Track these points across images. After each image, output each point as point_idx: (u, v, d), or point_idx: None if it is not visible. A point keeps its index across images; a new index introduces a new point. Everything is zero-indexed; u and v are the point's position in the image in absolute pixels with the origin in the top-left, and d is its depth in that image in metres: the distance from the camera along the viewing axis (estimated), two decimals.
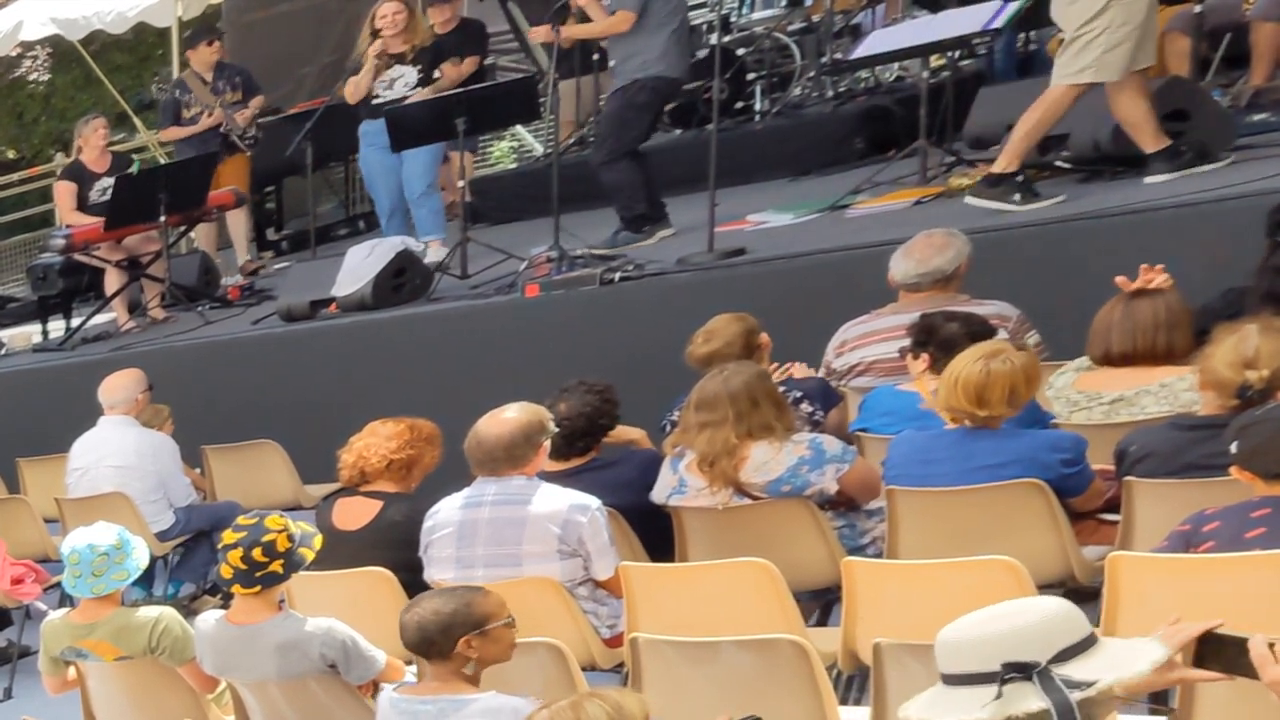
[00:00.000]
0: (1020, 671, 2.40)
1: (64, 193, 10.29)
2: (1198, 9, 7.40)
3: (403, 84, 9.17)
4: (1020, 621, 2.48)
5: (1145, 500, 4.20)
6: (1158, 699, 3.52)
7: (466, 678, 3.86)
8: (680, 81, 8.64)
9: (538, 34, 8.39)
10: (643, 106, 8.27)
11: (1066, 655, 2.44)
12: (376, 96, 9.19)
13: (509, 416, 4.72)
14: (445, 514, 4.79)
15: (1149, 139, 6.63)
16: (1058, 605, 2.53)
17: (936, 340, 4.88)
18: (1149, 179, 6.62)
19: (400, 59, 9.18)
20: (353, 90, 9.23)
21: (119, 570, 4.92)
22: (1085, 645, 2.47)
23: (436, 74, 9.17)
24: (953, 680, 2.49)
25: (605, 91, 8.90)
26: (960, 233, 5.67)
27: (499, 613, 3.89)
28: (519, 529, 4.63)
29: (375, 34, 9.11)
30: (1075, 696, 2.39)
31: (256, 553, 4.37)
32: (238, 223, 10.92)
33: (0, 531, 7.15)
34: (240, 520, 4.50)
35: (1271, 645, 2.56)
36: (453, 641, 3.82)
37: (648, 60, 8.15)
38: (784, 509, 4.71)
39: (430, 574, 4.79)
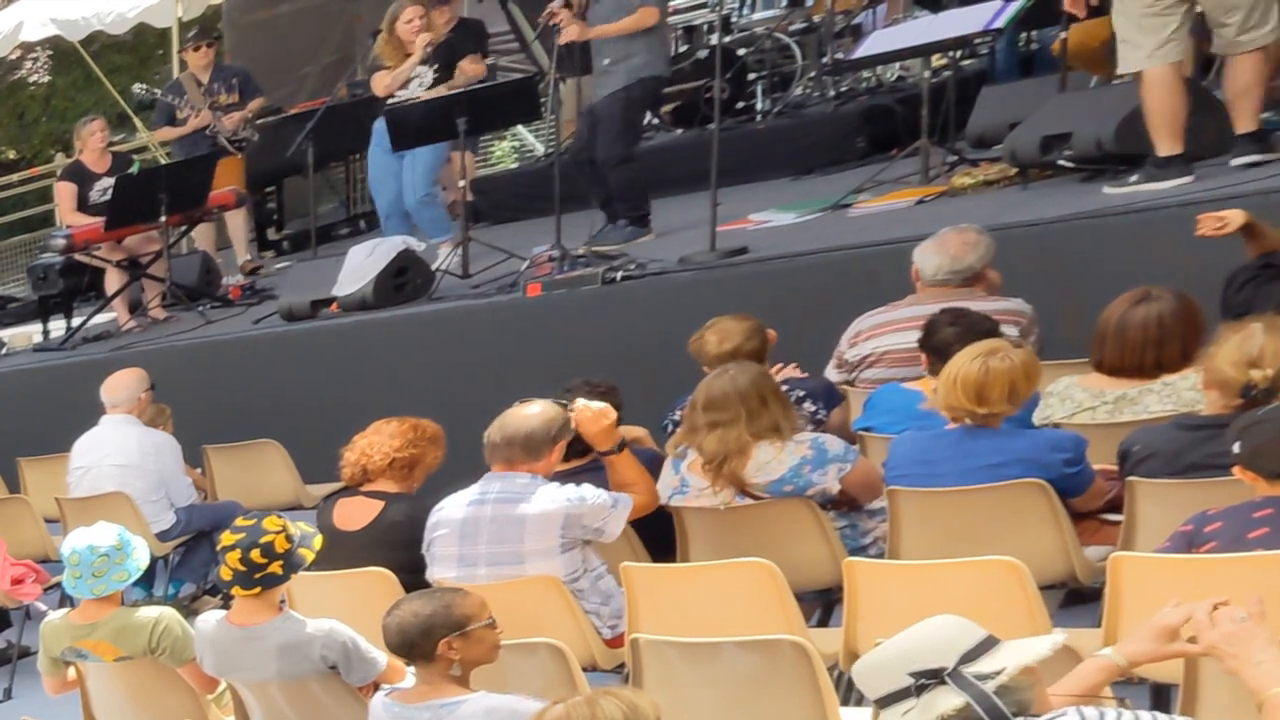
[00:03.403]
0: (931, 677, 2.65)
1: (64, 193, 10.29)
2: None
3: (417, 84, 9.14)
4: (920, 636, 2.74)
5: (1148, 500, 4.19)
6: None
7: (454, 679, 3.85)
8: (667, 80, 8.73)
9: (570, 33, 8.31)
10: (643, 106, 8.32)
11: (971, 656, 2.68)
12: (392, 96, 9.18)
13: (535, 411, 4.75)
14: (449, 511, 4.78)
15: (1247, 118, 6.54)
16: (952, 617, 2.79)
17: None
18: (1237, 160, 6.54)
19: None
20: (386, 84, 9.19)
21: (119, 571, 4.90)
22: (987, 646, 2.72)
23: (456, 73, 9.15)
24: (880, 703, 2.73)
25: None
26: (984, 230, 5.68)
27: (479, 614, 3.88)
28: (519, 527, 4.62)
29: (391, 35, 9.09)
30: (989, 686, 2.62)
31: (255, 554, 4.36)
32: (236, 223, 10.91)
33: (0, 531, 7.13)
34: (238, 522, 4.49)
35: (1216, 607, 2.89)
36: (434, 643, 3.81)
37: (649, 59, 8.19)
38: (785, 509, 4.71)
39: (433, 572, 4.79)
